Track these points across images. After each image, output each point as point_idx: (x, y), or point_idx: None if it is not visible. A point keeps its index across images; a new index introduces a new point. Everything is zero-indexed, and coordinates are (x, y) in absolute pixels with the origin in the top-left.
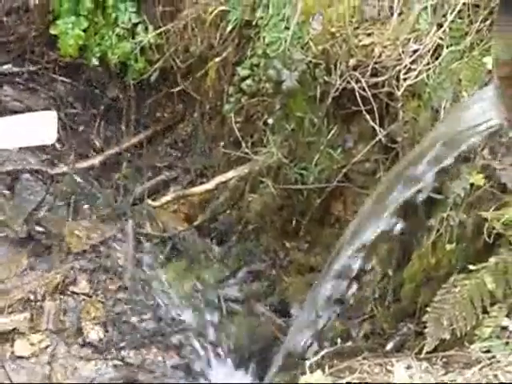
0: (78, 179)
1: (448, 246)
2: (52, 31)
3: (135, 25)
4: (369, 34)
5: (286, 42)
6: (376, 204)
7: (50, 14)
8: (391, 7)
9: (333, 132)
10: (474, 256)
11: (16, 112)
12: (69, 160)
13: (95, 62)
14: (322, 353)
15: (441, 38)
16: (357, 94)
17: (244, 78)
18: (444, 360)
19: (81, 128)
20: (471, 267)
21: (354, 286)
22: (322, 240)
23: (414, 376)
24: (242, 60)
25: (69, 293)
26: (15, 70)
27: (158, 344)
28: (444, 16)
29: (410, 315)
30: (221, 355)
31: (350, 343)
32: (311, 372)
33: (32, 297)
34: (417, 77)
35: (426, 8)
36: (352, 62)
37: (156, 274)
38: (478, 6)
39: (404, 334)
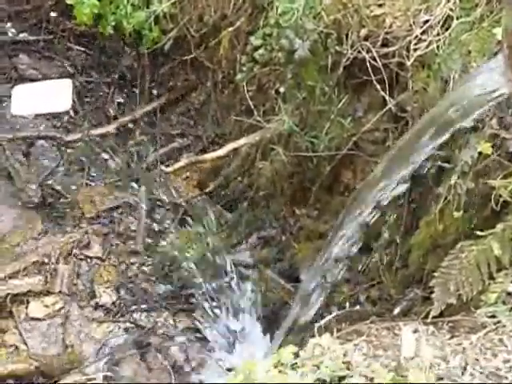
0: (92, 146)
1: (455, 214)
2: (67, 1)
3: None
4: (380, 5)
5: (298, 11)
6: (385, 171)
7: None
8: None
9: (343, 101)
10: (482, 223)
11: (32, 80)
12: (83, 127)
13: (110, 30)
14: (330, 316)
15: (451, 9)
16: (367, 63)
17: (257, 48)
18: (450, 324)
19: (95, 96)
20: (478, 233)
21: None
22: (331, 207)
23: (421, 339)
24: (255, 30)
25: (82, 256)
26: (31, 38)
27: (169, 307)
28: None
29: (418, 281)
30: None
31: (357, 307)
32: (320, 335)
33: (46, 260)
34: (427, 47)
35: None
36: (363, 32)
37: (168, 239)
38: None
39: (411, 299)
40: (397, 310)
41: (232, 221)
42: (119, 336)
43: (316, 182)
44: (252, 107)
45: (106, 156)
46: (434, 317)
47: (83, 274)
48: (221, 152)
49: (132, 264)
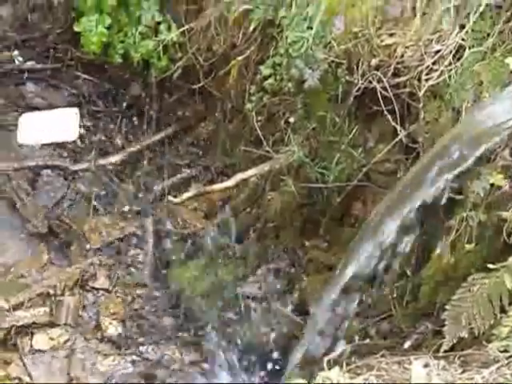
0: (99, 175)
1: (467, 246)
2: (76, 28)
3: (158, 23)
4: (391, 34)
5: (308, 41)
6: (395, 204)
7: (74, 12)
8: (414, 8)
9: (354, 131)
10: (493, 256)
11: (39, 108)
12: (90, 156)
13: (118, 59)
14: (340, 350)
15: (463, 39)
16: (378, 93)
17: (266, 77)
18: (462, 359)
19: (102, 125)
20: (490, 266)
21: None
22: (341, 239)
23: (432, 374)
24: (265, 59)
25: (88, 288)
26: (38, 66)
27: (176, 340)
28: (466, 17)
29: (429, 315)
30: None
31: (367, 341)
32: (329, 368)
33: (52, 291)
34: (439, 77)
35: (448, 9)
36: (374, 61)
37: (176, 270)
38: (500, 7)
39: (422, 333)
40: (407, 344)
41: (240, 252)
42: (125, 369)
43: (326, 213)
44: (261, 137)
45: (113, 186)
46: (445, 351)
47: (89, 306)
48: (229, 183)
49: (139, 296)
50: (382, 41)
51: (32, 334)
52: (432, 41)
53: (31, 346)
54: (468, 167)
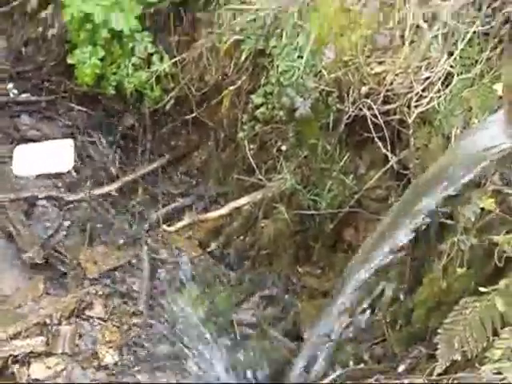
0: (94, 206)
1: (459, 270)
2: (69, 61)
3: (151, 54)
4: (380, 63)
5: (299, 70)
6: (387, 230)
7: (67, 44)
8: (402, 36)
9: (345, 159)
10: (485, 280)
11: (33, 140)
12: (85, 187)
13: (111, 90)
14: (334, 375)
15: (451, 66)
16: (369, 121)
17: (258, 106)
18: (455, 382)
19: (97, 156)
20: (482, 289)
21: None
22: (334, 265)
23: None
24: (256, 88)
25: (84, 317)
26: (33, 98)
27: (172, 368)
28: (454, 44)
29: (422, 339)
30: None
31: (361, 366)
32: None
33: (48, 321)
34: (428, 104)
35: (436, 36)
36: (364, 89)
37: (171, 299)
38: (487, 34)
39: (415, 357)
40: (401, 368)
41: (234, 280)
42: None
43: (319, 240)
44: (254, 166)
45: (108, 216)
46: (438, 374)
47: (85, 335)
48: (223, 211)
49: (134, 324)
50: (371, 69)
51: (29, 363)
52: (421, 68)
53: (28, 375)
54: (458, 192)
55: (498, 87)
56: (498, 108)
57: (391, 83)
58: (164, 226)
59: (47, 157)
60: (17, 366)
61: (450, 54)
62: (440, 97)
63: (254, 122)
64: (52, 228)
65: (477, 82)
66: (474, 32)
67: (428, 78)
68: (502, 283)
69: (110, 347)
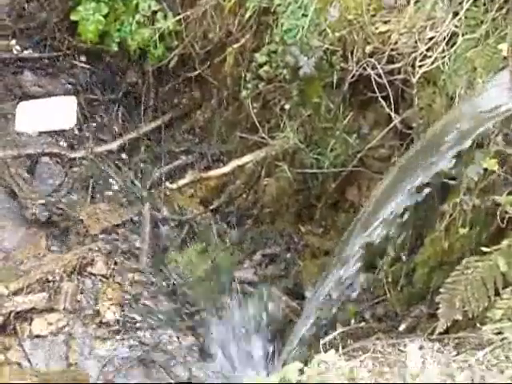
0: (97, 163)
1: (461, 230)
2: (72, 17)
3: (155, 12)
4: (385, 22)
5: (303, 28)
6: (390, 188)
7: (71, 1)
8: None
9: (348, 118)
10: (487, 240)
11: (36, 97)
12: (87, 144)
13: (115, 48)
14: (336, 333)
15: (456, 26)
16: (373, 80)
17: (261, 65)
18: (456, 341)
19: (100, 113)
20: (484, 249)
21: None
22: (336, 224)
23: (426, 356)
24: (260, 47)
25: (86, 274)
26: (36, 55)
27: (173, 325)
28: (460, 4)
29: (423, 299)
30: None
31: (363, 324)
32: (325, 351)
33: (50, 277)
34: (432, 64)
35: None
36: (368, 48)
37: (173, 256)
38: None
39: (416, 316)
40: (402, 327)
41: (236, 238)
42: (123, 354)
43: (321, 199)
44: (257, 124)
45: (110, 173)
46: (439, 333)
47: (87, 292)
48: (226, 169)
49: (136, 282)
50: (376, 28)
51: (31, 319)
52: (426, 28)
53: (30, 331)
54: (462, 152)
55: (503, 47)
56: (503, 68)
57: (396, 43)
58: (166, 184)
59: (50, 114)
60: (18, 321)
61: (455, 13)
62: (444, 57)
63: (258, 80)
64: (54, 185)
65: (482, 42)
66: None
67: (432, 37)
68: (505, 243)
69: (112, 304)
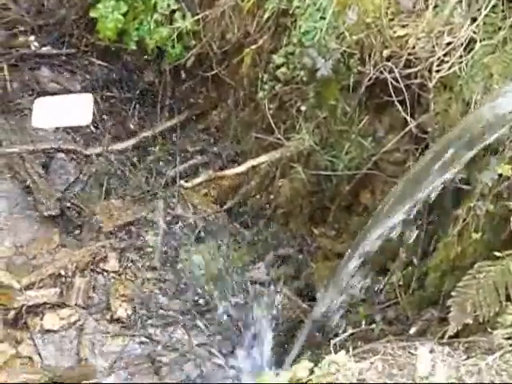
0: (112, 160)
1: (474, 236)
2: (92, 14)
3: (173, 11)
4: (403, 26)
5: (321, 31)
6: (403, 193)
7: None
8: (426, 0)
9: (364, 121)
10: (500, 245)
11: (53, 93)
12: (103, 141)
13: (133, 46)
14: (346, 334)
15: (474, 32)
16: (389, 84)
17: (279, 66)
18: (466, 345)
19: (116, 111)
20: (497, 254)
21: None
22: (349, 228)
23: (436, 359)
24: (278, 48)
25: (99, 270)
26: (54, 52)
27: (184, 323)
28: (478, 10)
29: (434, 303)
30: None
31: (373, 327)
32: (335, 352)
33: (63, 272)
34: (449, 69)
35: (460, 1)
36: (386, 52)
37: (185, 254)
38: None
39: (427, 320)
40: (413, 330)
41: (249, 238)
42: (134, 350)
43: (335, 201)
44: (273, 125)
45: (125, 171)
46: (450, 337)
47: (99, 288)
48: (240, 169)
49: (148, 279)
50: (394, 32)
51: (42, 313)
52: (443, 33)
53: (41, 325)
54: (476, 157)
55: None
56: None
57: (413, 47)
58: (181, 182)
59: (66, 110)
60: (30, 316)
61: (474, 19)
62: (461, 62)
63: (275, 81)
64: (69, 181)
65: (499, 48)
66: None
67: (450, 43)
68: None
69: (124, 301)
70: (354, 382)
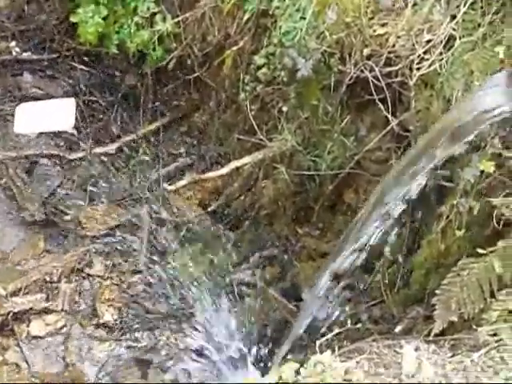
0: (95, 164)
1: (457, 233)
2: (72, 19)
3: (154, 14)
4: (383, 24)
5: (301, 31)
6: (385, 190)
7: (70, 3)
8: None
9: (346, 120)
10: (483, 242)
11: (35, 98)
12: (86, 146)
13: (114, 50)
14: (332, 334)
15: (454, 29)
16: (370, 83)
17: (260, 67)
18: (452, 342)
19: (98, 115)
20: (480, 251)
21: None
22: (333, 227)
23: (422, 357)
24: (258, 49)
25: (84, 275)
26: (35, 57)
27: (170, 326)
28: (457, 7)
29: (420, 301)
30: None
31: (359, 326)
32: (321, 352)
33: (48, 278)
34: (429, 67)
35: None
36: (366, 51)
37: (170, 257)
38: None
39: (413, 318)
40: (398, 328)
41: (234, 240)
42: (120, 355)
43: (318, 201)
44: (255, 126)
45: (108, 175)
46: (435, 335)
47: (85, 293)
48: (223, 171)
49: (134, 283)
50: (374, 31)
51: (29, 320)
52: (423, 31)
53: (28, 332)
54: (458, 154)
55: (500, 50)
56: (499, 70)
57: (393, 45)
58: (165, 185)
59: (49, 115)
60: (16, 322)
61: (453, 17)
62: (442, 60)
63: (256, 82)
64: (53, 186)
65: (479, 45)
66: None
67: (430, 40)
68: (500, 245)
69: (110, 305)
70: (340, 381)
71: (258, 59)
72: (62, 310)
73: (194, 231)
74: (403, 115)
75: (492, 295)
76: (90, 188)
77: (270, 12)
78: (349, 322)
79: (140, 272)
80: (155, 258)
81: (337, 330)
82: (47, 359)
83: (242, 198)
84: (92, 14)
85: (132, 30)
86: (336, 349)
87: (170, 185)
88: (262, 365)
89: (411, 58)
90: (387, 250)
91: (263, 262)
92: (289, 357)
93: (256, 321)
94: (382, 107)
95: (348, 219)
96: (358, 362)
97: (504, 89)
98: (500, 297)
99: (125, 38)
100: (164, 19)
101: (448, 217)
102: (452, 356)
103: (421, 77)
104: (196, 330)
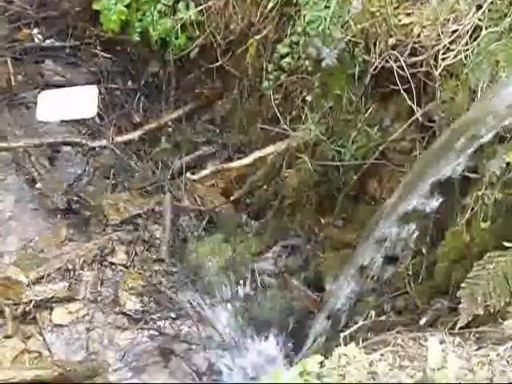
0: (118, 152)
1: (482, 224)
2: (95, 6)
3: (177, 1)
4: (408, 14)
5: (325, 20)
6: (414, 180)
7: None
8: None
9: (370, 110)
10: (509, 234)
11: (58, 86)
12: (109, 134)
13: (136, 37)
14: (356, 326)
15: (479, 19)
16: (395, 73)
17: (283, 56)
18: (477, 335)
19: (121, 103)
20: (506, 244)
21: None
22: (356, 217)
23: (447, 350)
24: (282, 38)
25: (107, 263)
26: (58, 44)
27: (193, 315)
28: None
29: (443, 292)
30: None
31: (383, 318)
32: (345, 344)
33: (70, 266)
34: (455, 57)
35: None
36: (391, 41)
37: (193, 246)
38: None
39: (437, 310)
40: (423, 321)
41: (257, 229)
42: (143, 343)
43: (342, 191)
44: (278, 115)
45: (131, 163)
46: (460, 328)
47: (107, 281)
48: (247, 160)
49: (156, 271)
50: (399, 20)
51: (51, 308)
52: (449, 20)
53: (50, 320)
54: (484, 145)
55: None
56: None
57: (418, 35)
58: (187, 174)
59: (71, 103)
60: (39, 310)
61: (479, 6)
62: (467, 50)
63: (279, 71)
64: (75, 174)
65: (505, 35)
66: None
67: (456, 30)
68: None
69: (132, 294)
70: (365, 373)
71: (282, 48)
72: (85, 298)
73: (217, 220)
74: (428, 105)
75: None
76: (112, 176)
77: (294, 1)
78: (373, 313)
79: (162, 260)
80: (178, 246)
81: (361, 322)
82: (69, 347)
83: (265, 187)
84: (115, 1)
85: (155, 18)
86: (360, 341)
87: (192, 174)
88: (285, 356)
89: (436, 48)
90: (411, 240)
91: (286, 252)
92: (312, 348)
93: (279, 311)
94: (406, 97)
95: (371, 209)
96: (382, 355)
97: None
98: None
99: (147, 26)
100: (187, 7)
101: (473, 209)
102: (477, 349)
103: (446, 67)
104: (218, 319)
